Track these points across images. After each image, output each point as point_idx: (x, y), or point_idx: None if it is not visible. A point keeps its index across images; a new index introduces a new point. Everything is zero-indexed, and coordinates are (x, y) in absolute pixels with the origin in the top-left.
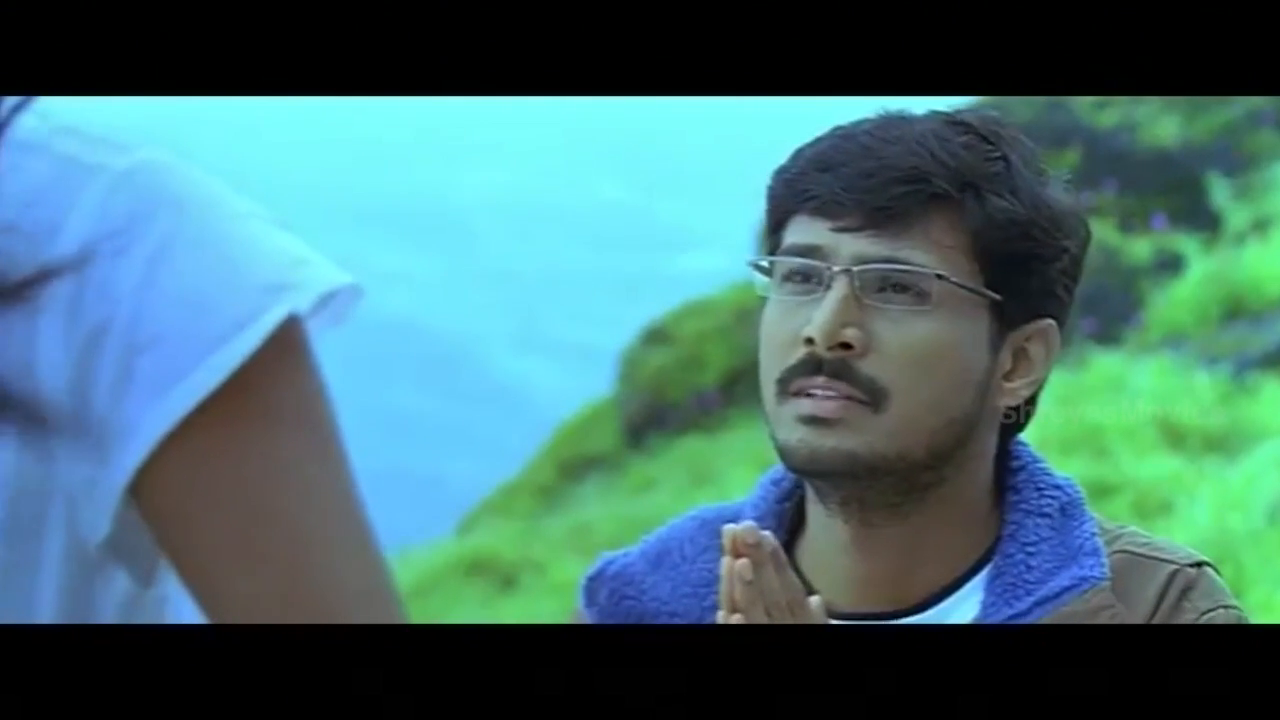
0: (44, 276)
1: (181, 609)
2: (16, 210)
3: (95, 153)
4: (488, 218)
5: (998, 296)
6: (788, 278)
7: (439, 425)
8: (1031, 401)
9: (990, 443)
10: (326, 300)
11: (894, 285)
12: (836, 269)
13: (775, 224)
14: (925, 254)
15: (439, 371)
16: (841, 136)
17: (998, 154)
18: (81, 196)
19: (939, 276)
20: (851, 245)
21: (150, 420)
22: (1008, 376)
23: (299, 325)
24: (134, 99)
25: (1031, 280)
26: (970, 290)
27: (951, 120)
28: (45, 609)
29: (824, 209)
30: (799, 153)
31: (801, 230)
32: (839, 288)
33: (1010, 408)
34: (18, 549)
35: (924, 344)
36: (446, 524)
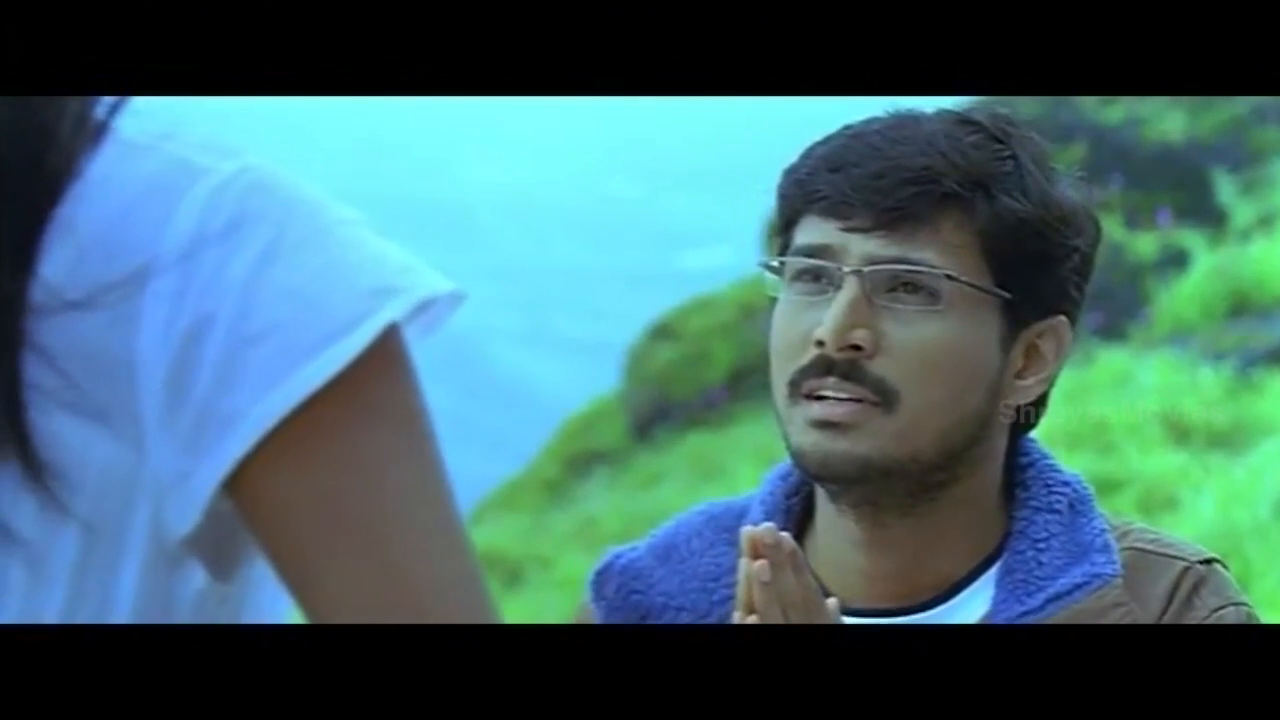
0: (149, 269)
1: (256, 605)
2: (125, 205)
3: (205, 156)
4: (493, 213)
5: (1008, 296)
6: (797, 277)
7: (445, 420)
8: (1041, 401)
9: (1001, 442)
10: (426, 306)
11: (905, 285)
12: (847, 269)
13: (785, 223)
14: (936, 254)
15: (445, 366)
16: (851, 136)
17: (1007, 153)
18: (190, 194)
19: (949, 277)
20: (862, 246)
21: (258, 411)
22: (1019, 374)
23: (399, 327)
24: (136, 100)
25: (1042, 279)
26: (981, 290)
27: (961, 119)
28: (124, 602)
29: (834, 209)
30: (809, 152)
31: (811, 230)
32: (849, 288)
33: (1019, 407)
34: (101, 542)
35: (935, 344)
36: None
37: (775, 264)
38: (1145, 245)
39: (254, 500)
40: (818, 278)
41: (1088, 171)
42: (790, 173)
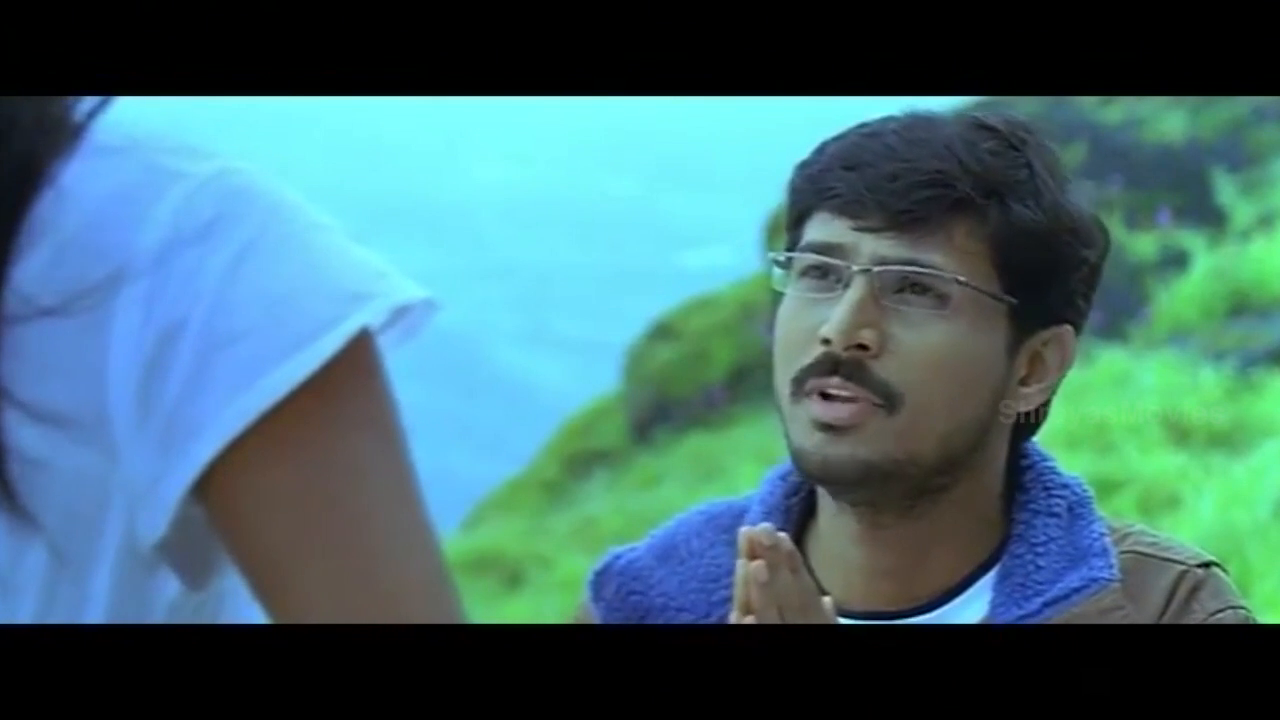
0: (123, 272)
1: (231, 615)
2: (99, 209)
3: (180, 159)
4: (494, 213)
5: (1016, 302)
6: (805, 273)
7: (444, 421)
8: (1044, 406)
9: (1002, 447)
10: (401, 314)
11: (913, 287)
12: (856, 269)
13: (796, 218)
14: (946, 257)
15: (444, 367)
16: (867, 135)
17: (1023, 161)
18: (165, 197)
19: (959, 281)
20: (872, 245)
21: (227, 416)
22: (1023, 381)
23: (372, 333)
24: (138, 99)
25: (1051, 288)
26: (989, 295)
27: (979, 124)
28: (97, 608)
29: (846, 208)
30: (823, 148)
31: (822, 227)
32: (857, 288)
33: (1024, 411)
34: (74, 547)
35: (941, 348)
36: (452, 520)
37: (783, 259)
38: (1145, 245)
39: (224, 504)
40: (826, 275)
41: (1087, 171)
42: (803, 167)
